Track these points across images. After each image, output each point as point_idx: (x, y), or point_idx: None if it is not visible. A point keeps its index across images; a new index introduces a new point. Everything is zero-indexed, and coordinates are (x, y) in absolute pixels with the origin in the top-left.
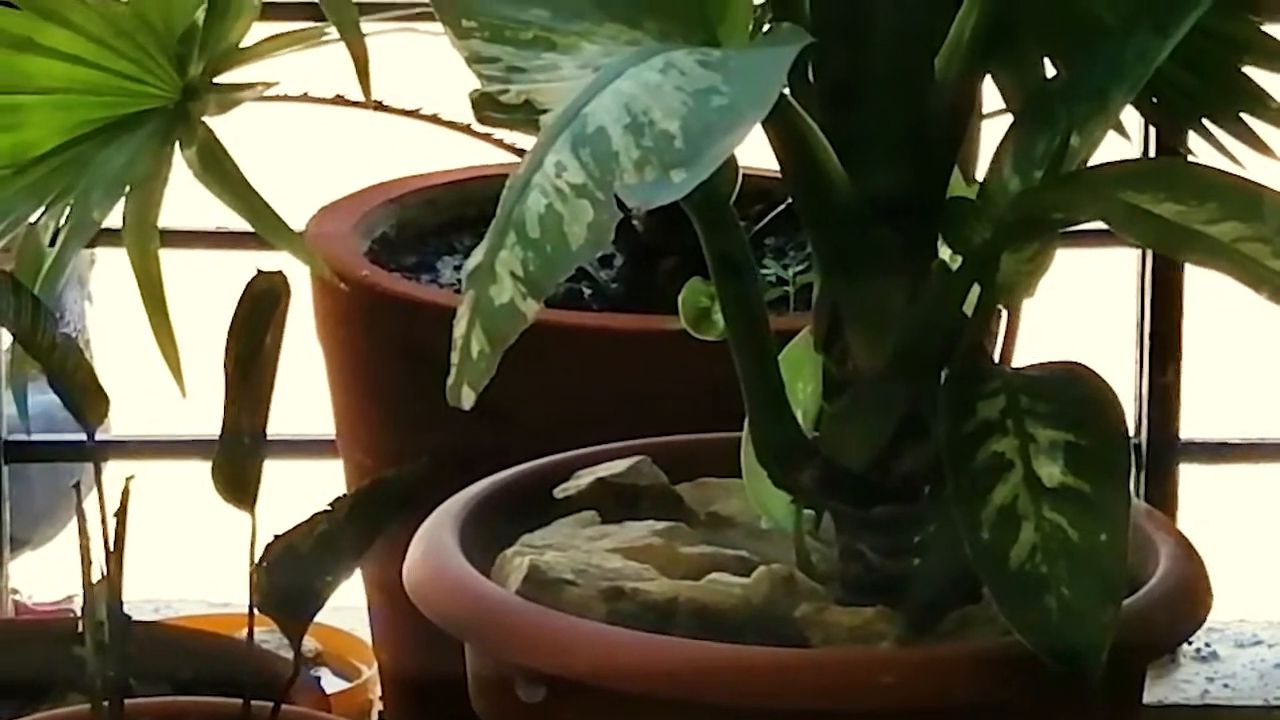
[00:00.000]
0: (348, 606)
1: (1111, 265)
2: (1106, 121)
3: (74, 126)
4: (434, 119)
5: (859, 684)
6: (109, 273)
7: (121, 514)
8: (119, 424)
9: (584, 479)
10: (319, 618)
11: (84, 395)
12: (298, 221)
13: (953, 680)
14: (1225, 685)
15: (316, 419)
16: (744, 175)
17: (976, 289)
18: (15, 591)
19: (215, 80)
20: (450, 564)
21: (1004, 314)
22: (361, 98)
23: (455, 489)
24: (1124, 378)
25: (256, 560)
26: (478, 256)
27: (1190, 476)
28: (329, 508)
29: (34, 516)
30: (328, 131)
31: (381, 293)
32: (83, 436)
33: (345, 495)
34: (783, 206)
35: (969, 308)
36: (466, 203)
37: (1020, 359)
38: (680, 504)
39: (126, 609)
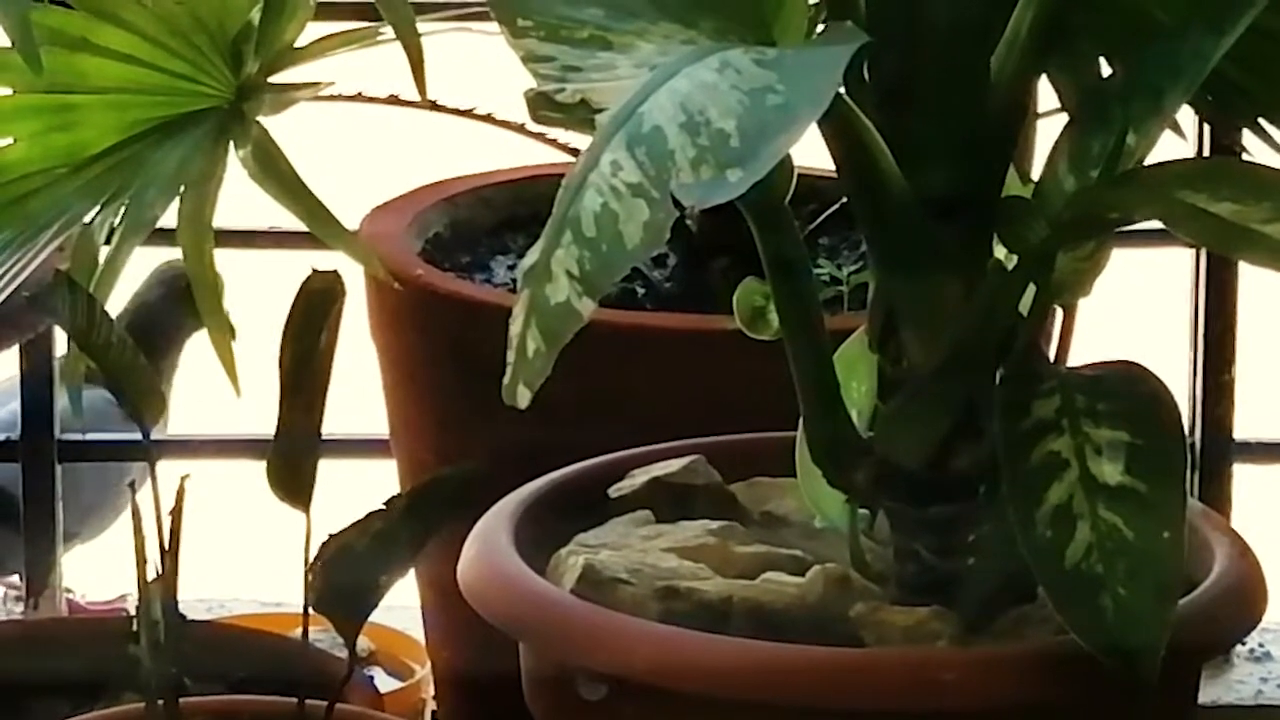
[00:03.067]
0: (400, 606)
1: (1166, 264)
2: (1162, 120)
3: (129, 126)
4: (488, 118)
5: (921, 683)
6: None
7: (176, 513)
8: (174, 423)
9: (638, 478)
10: (372, 617)
11: (140, 394)
12: (352, 221)
13: (1015, 679)
14: (1279, 686)
15: (370, 418)
16: (798, 174)
17: (1032, 288)
18: (69, 590)
19: (270, 80)
20: (505, 563)
21: (1059, 313)
22: (416, 97)
23: (509, 488)
24: (1178, 377)
25: (311, 559)
26: (533, 255)
27: (1244, 477)
28: (384, 507)
29: (83, 510)
30: (382, 131)
31: (435, 292)
32: (137, 435)
33: (400, 494)
34: (836, 206)
35: (1024, 307)
36: (520, 202)
37: (1075, 358)
38: (734, 503)
39: (181, 608)
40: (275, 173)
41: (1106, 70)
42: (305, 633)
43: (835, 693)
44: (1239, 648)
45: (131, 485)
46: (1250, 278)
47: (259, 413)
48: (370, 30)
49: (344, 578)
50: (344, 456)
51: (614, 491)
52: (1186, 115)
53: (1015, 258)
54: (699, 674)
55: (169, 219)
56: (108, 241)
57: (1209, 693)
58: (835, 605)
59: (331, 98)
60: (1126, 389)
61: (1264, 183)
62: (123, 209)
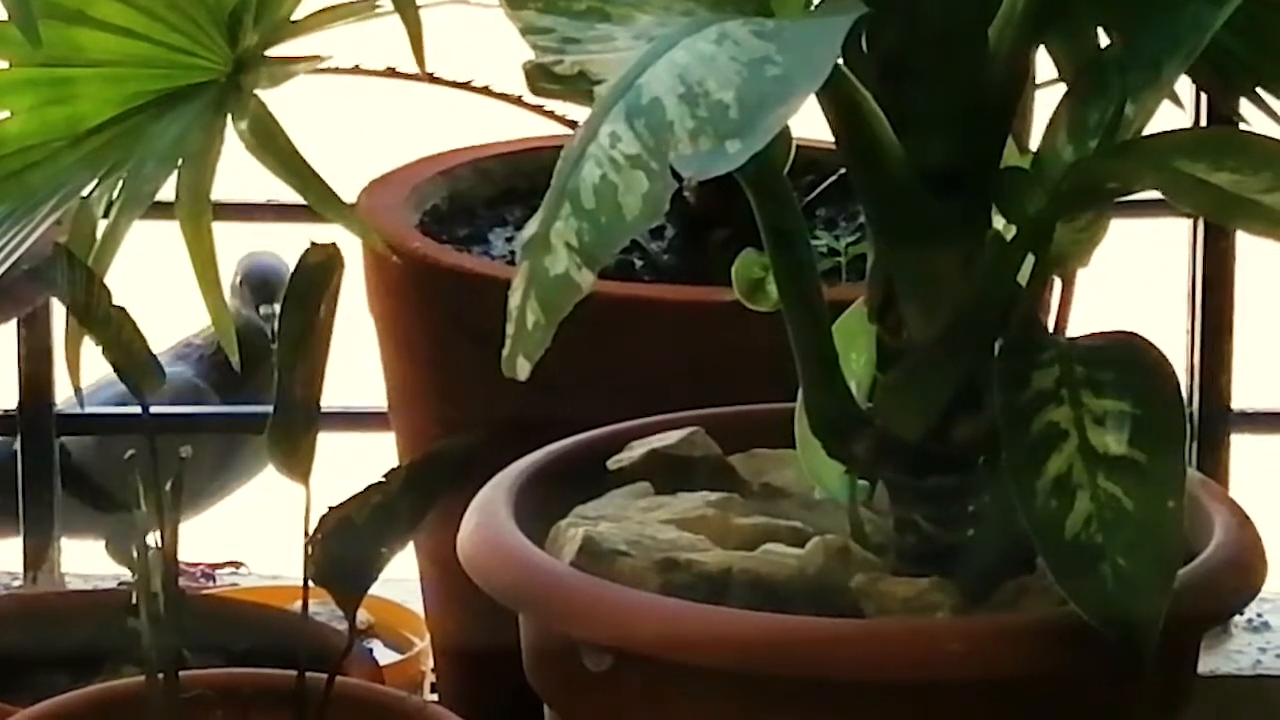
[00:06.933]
0: (399, 579)
1: (1164, 234)
2: (1161, 90)
3: (127, 99)
4: (485, 91)
5: (922, 654)
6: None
7: (176, 487)
8: None
9: (637, 450)
10: (371, 590)
11: (138, 368)
12: (350, 194)
13: (1015, 650)
14: (1277, 656)
15: (369, 391)
16: (796, 146)
17: (1030, 259)
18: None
19: (267, 53)
20: (505, 536)
21: (1058, 284)
22: (413, 69)
23: (508, 461)
24: (1176, 347)
25: (311, 532)
26: (532, 227)
27: (1242, 446)
28: (383, 479)
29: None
30: (379, 103)
31: (433, 265)
32: (136, 409)
33: (400, 467)
34: (834, 177)
35: (1023, 278)
36: (518, 175)
37: (1074, 329)
38: (733, 475)
39: (180, 581)
40: (273, 146)
41: (1105, 40)
42: (305, 606)
43: (837, 663)
44: (1237, 618)
45: (130, 459)
46: (1247, 247)
47: None
48: (368, 3)
49: (343, 551)
50: (343, 429)
51: (613, 463)
52: (1184, 85)
53: (1014, 228)
54: (703, 646)
55: (167, 192)
56: (106, 215)
57: (1207, 663)
58: (835, 576)
59: (329, 70)
60: (1126, 359)
61: (1263, 152)
62: (121, 182)
